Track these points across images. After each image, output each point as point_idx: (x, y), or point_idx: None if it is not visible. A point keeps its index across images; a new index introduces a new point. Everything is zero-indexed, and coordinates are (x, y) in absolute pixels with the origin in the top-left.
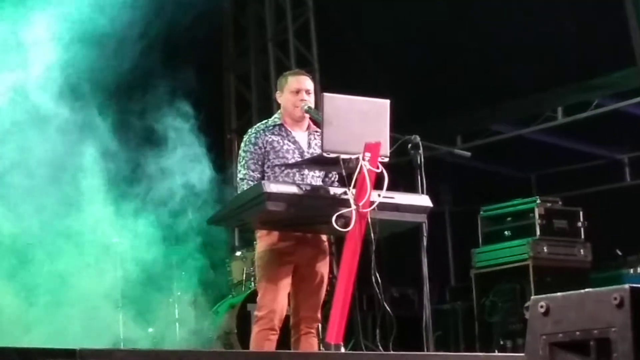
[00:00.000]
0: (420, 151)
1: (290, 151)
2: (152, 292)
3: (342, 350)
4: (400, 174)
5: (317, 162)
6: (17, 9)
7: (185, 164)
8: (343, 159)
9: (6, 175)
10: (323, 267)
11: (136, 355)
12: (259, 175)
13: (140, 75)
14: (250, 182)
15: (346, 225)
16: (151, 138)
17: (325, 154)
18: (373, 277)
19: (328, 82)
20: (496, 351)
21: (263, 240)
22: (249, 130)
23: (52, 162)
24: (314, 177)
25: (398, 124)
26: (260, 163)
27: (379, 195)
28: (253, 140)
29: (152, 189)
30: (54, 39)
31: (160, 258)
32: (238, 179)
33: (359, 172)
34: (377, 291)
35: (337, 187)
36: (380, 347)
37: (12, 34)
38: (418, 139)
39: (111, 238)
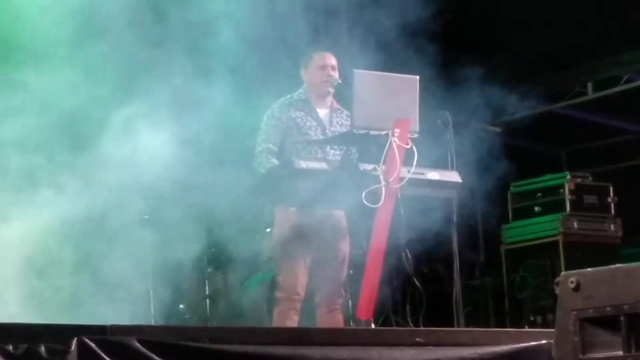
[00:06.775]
0: (450, 127)
1: (313, 128)
2: (182, 269)
3: (373, 326)
4: (429, 150)
5: (347, 138)
6: None
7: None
8: (373, 135)
9: None
10: (344, 244)
11: (167, 332)
12: (277, 149)
13: None
14: (269, 156)
15: (376, 201)
16: None
17: (354, 130)
18: (403, 253)
19: (357, 60)
20: (526, 327)
21: (282, 218)
22: (273, 104)
23: None
24: (335, 155)
25: (427, 101)
26: (280, 138)
27: (409, 171)
28: (277, 114)
29: None
30: None
31: (191, 234)
32: (256, 151)
33: (389, 148)
34: (407, 267)
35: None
36: (410, 323)
37: None
38: (448, 115)
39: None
